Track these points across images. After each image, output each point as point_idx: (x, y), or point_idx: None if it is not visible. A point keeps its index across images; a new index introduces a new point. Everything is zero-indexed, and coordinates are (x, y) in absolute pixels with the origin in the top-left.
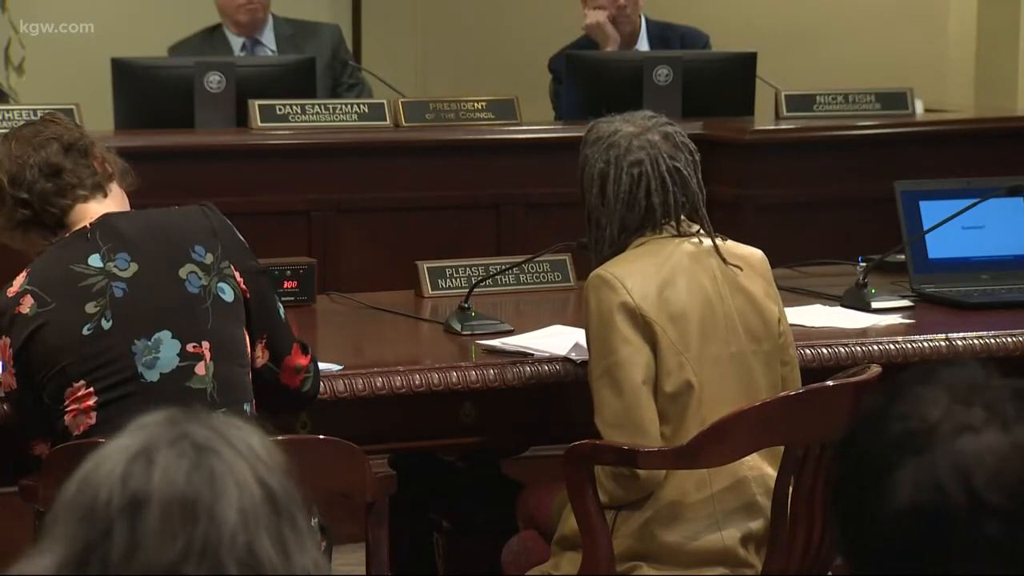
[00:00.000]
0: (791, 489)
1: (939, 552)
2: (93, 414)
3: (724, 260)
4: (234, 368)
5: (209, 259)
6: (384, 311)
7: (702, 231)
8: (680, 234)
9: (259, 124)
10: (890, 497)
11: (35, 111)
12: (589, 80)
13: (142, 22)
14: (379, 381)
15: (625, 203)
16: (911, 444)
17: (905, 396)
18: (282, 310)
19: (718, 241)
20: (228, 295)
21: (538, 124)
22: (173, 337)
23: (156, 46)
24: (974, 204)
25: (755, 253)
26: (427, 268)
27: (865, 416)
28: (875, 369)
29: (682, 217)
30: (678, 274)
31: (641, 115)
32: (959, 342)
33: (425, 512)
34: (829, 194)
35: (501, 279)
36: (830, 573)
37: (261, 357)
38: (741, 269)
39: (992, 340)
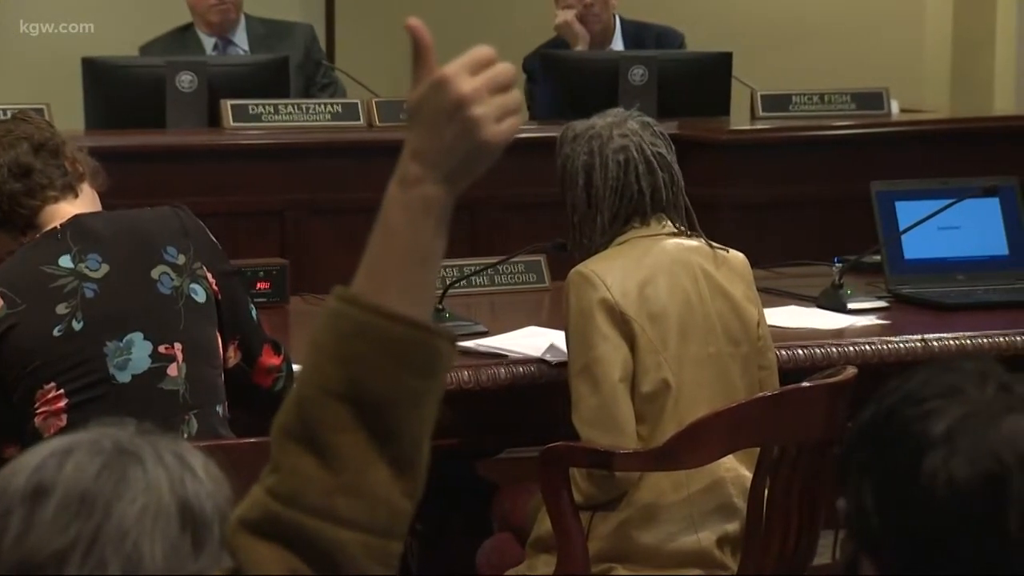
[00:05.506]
0: (767, 490)
1: (997, 515)
2: (64, 416)
3: (712, 247)
4: (206, 369)
5: (181, 260)
6: None
7: (688, 231)
8: (666, 230)
9: (231, 124)
10: (944, 473)
11: (5, 111)
12: (564, 80)
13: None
14: None
15: (614, 190)
16: (965, 424)
17: (935, 381)
18: (254, 311)
19: (702, 241)
20: (200, 296)
21: None
22: (145, 338)
23: None
24: (950, 204)
25: (736, 256)
26: None
27: (900, 400)
28: (851, 370)
29: (671, 212)
30: (659, 273)
31: (613, 111)
32: (935, 343)
33: None
34: (805, 194)
35: (475, 280)
36: (806, 574)
37: (233, 357)
38: (727, 252)
39: (968, 341)
